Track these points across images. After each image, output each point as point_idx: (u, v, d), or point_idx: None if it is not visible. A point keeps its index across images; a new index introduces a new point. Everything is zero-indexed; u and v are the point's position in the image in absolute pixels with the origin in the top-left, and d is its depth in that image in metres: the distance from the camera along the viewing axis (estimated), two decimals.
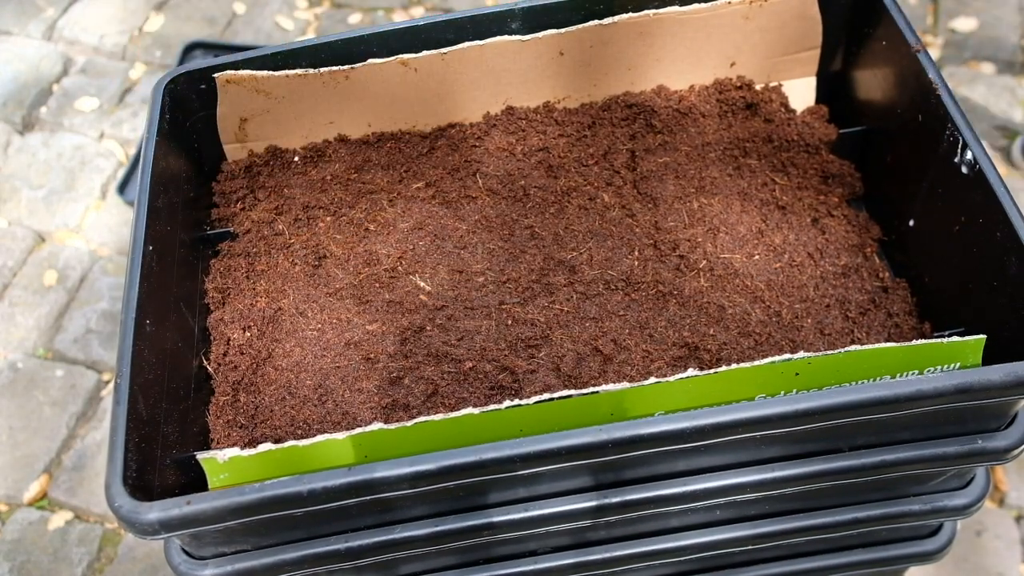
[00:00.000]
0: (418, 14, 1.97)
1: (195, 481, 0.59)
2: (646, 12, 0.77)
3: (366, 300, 0.72)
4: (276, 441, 0.64)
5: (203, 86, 0.76)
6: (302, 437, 0.64)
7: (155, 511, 0.52)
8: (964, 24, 1.84)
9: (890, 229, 0.77)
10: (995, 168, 0.63)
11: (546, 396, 0.56)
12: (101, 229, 1.67)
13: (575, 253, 0.74)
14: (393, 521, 0.59)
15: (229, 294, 0.74)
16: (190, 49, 1.87)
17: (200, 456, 0.56)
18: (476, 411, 0.55)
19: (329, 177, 0.81)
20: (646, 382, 0.56)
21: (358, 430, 0.55)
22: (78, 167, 1.75)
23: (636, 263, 0.73)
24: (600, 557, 0.66)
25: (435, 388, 0.66)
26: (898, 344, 0.57)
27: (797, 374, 0.57)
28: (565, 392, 0.56)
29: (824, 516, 0.66)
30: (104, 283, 1.59)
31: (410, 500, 0.57)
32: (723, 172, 0.79)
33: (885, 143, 0.78)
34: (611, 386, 0.56)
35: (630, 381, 0.65)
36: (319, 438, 0.55)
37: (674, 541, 0.66)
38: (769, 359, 0.56)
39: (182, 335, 0.69)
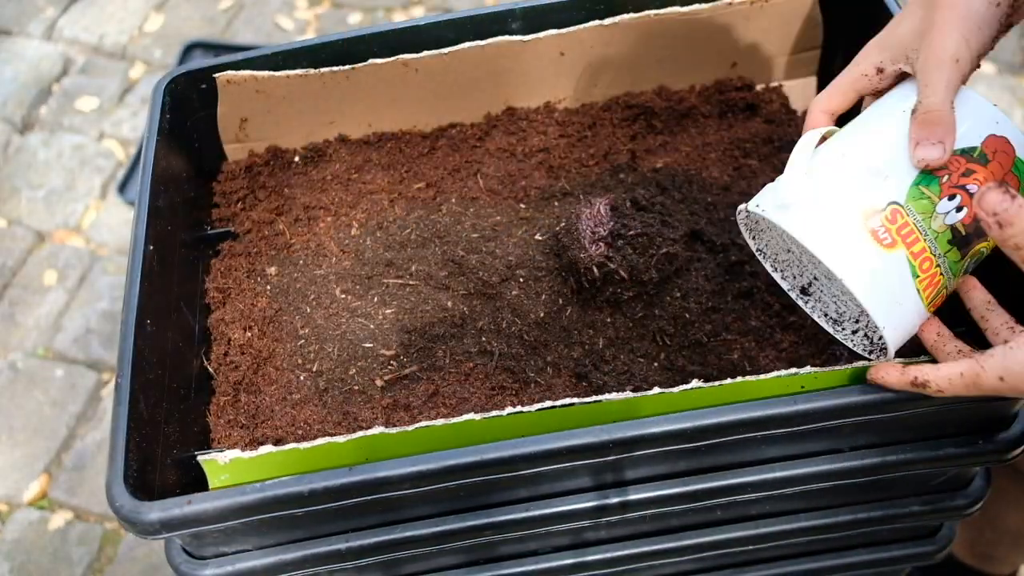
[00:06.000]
0: (418, 14, 1.97)
1: (196, 480, 0.59)
2: (647, 12, 0.77)
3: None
4: (277, 441, 0.64)
5: (203, 86, 0.76)
6: (303, 437, 0.64)
7: (156, 511, 0.52)
8: None
9: None
10: None
11: (548, 404, 0.56)
12: (101, 229, 1.66)
13: None
14: (394, 521, 0.59)
15: (230, 294, 0.74)
16: (190, 49, 1.87)
17: (201, 457, 0.56)
18: (477, 417, 0.55)
19: (329, 177, 0.81)
20: (650, 392, 0.55)
21: (359, 433, 0.55)
22: (78, 167, 1.75)
23: None
24: (600, 557, 0.66)
25: (436, 388, 0.66)
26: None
27: (803, 387, 0.56)
28: (568, 400, 0.56)
29: (825, 516, 0.66)
30: (104, 283, 1.59)
31: (411, 500, 0.57)
32: (723, 173, 0.79)
33: None
34: (614, 395, 0.55)
35: (631, 381, 0.65)
36: (320, 441, 0.55)
37: (674, 541, 0.66)
38: (774, 373, 0.55)
39: (183, 335, 0.69)
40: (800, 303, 0.61)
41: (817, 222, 0.51)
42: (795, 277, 0.61)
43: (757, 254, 0.61)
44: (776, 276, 0.61)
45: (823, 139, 0.56)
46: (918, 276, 0.51)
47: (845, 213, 0.51)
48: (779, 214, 0.52)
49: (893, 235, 0.50)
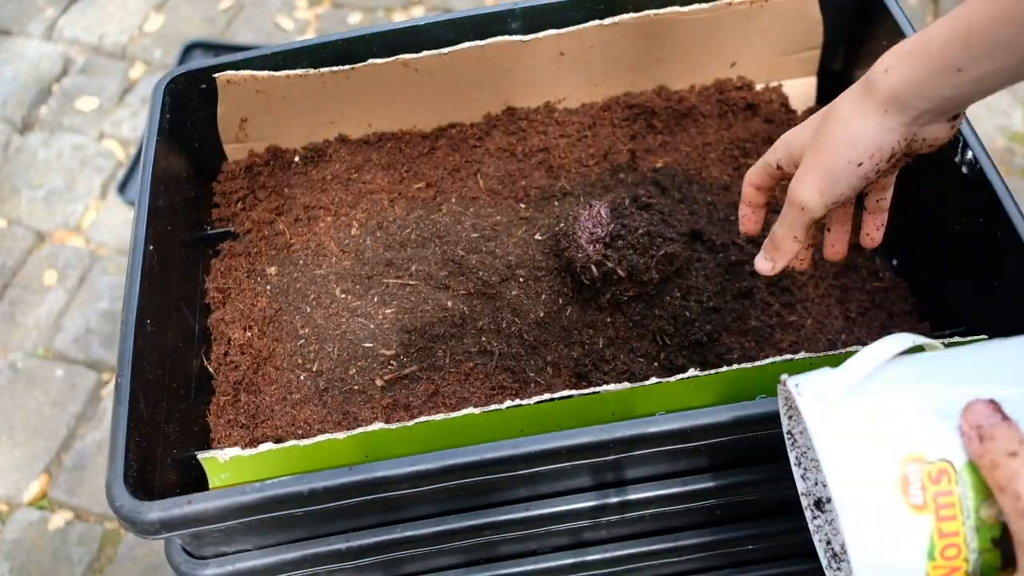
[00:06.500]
0: (418, 14, 1.97)
1: (196, 480, 0.59)
2: (646, 12, 0.77)
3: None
4: (277, 441, 0.64)
5: (203, 86, 0.76)
6: (303, 437, 0.64)
7: (156, 510, 0.52)
8: None
9: (890, 229, 0.77)
10: (995, 168, 0.63)
11: (547, 396, 0.56)
12: (101, 229, 1.66)
13: None
14: (394, 521, 0.59)
15: (230, 294, 0.74)
16: (190, 49, 1.87)
17: (201, 456, 0.56)
18: (477, 411, 0.55)
19: (329, 177, 0.81)
20: (647, 382, 0.56)
21: (359, 430, 0.55)
22: (78, 167, 1.75)
23: None
24: (600, 557, 0.66)
25: (436, 388, 0.66)
26: None
27: None
28: (566, 392, 0.56)
29: None
30: (104, 283, 1.58)
31: (411, 499, 0.57)
32: (723, 172, 0.79)
33: None
34: (612, 386, 0.56)
35: (631, 380, 0.65)
36: (320, 438, 0.55)
37: (674, 541, 0.66)
38: (769, 359, 0.56)
39: (183, 335, 0.69)
40: (808, 515, 0.51)
41: (848, 444, 0.41)
42: (816, 483, 0.51)
43: (786, 436, 0.51)
44: (796, 471, 0.51)
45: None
46: (934, 560, 0.40)
47: (884, 447, 0.40)
48: (817, 421, 0.42)
49: (927, 497, 0.39)
